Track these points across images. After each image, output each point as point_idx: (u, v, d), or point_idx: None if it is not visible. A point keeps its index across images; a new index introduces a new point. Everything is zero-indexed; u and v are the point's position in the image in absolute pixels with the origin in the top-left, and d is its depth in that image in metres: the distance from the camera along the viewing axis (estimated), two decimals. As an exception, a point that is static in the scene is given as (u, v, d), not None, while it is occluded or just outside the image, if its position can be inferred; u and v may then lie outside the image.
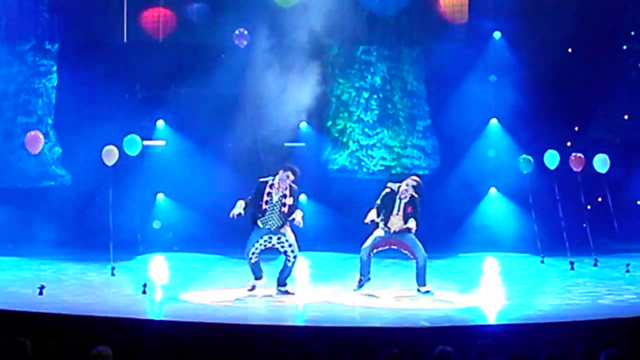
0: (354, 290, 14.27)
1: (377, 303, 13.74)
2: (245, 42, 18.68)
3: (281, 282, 14.24)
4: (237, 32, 18.72)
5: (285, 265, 14.17)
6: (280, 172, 14.11)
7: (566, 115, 21.18)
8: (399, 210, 14.18)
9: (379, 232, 14.31)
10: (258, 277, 14.22)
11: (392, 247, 14.47)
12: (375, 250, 14.36)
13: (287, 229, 14.06)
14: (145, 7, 21.20)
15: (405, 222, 14.11)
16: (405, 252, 14.45)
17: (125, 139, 17.80)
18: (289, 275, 14.26)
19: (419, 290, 14.20)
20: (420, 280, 14.22)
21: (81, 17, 20.45)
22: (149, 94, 20.97)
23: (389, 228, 14.21)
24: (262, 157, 19.50)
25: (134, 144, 17.86)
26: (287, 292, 14.13)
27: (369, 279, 14.32)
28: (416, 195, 14.24)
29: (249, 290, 14.13)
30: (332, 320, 12.31)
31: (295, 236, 14.17)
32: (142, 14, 21.20)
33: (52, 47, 20.57)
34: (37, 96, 20.37)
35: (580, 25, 20.94)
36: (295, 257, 14.06)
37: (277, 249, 14.18)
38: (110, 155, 17.07)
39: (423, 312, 12.89)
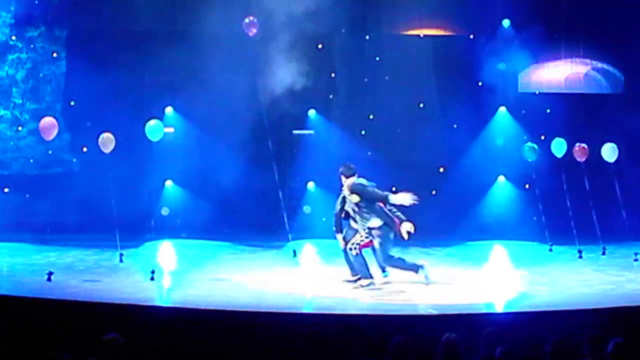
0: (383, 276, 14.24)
1: (385, 291, 13.73)
2: (254, 31, 18.59)
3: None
4: (247, 20, 18.65)
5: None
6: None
7: (575, 103, 21.10)
8: (353, 211, 13.92)
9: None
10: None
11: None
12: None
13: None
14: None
15: (366, 219, 13.80)
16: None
17: (148, 124, 17.80)
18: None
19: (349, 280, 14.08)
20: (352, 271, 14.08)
21: (91, 3, 20.45)
22: (157, 81, 20.95)
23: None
24: (271, 144, 19.45)
25: (157, 130, 17.83)
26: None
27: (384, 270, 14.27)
28: (353, 182, 13.82)
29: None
30: (340, 307, 12.32)
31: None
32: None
33: (62, 34, 20.58)
34: (45, 83, 20.38)
35: (592, 10, 20.88)
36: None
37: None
38: (107, 143, 17.02)
39: (431, 300, 12.90)
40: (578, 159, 18.37)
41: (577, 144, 18.53)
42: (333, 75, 21.19)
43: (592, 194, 18.45)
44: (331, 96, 21.50)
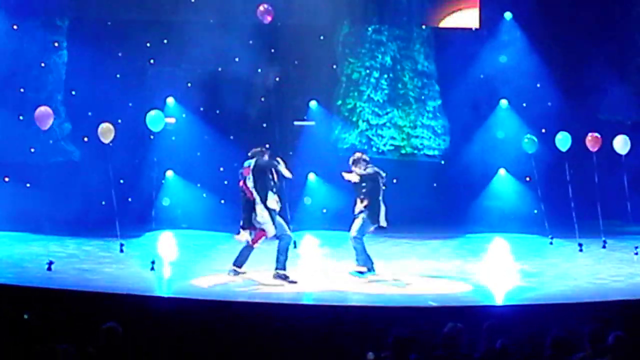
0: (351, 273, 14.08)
1: (385, 283, 13.72)
2: (270, 18, 18.36)
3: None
4: (261, 7, 18.46)
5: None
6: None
7: (576, 96, 21.10)
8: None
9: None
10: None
11: None
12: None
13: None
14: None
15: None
16: None
17: (149, 114, 17.76)
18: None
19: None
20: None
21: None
22: (159, 71, 20.94)
23: None
24: (273, 135, 19.43)
25: (158, 120, 17.80)
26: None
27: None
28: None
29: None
30: (340, 299, 12.32)
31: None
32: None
33: (63, 24, 20.55)
34: (47, 72, 20.35)
35: (593, 5, 20.90)
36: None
37: None
38: (106, 132, 16.97)
39: (431, 292, 12.90)
40: (591, 149, 18.23)
41: (590, 134, 18.40)
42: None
43: (593, 187, 18.42)
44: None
